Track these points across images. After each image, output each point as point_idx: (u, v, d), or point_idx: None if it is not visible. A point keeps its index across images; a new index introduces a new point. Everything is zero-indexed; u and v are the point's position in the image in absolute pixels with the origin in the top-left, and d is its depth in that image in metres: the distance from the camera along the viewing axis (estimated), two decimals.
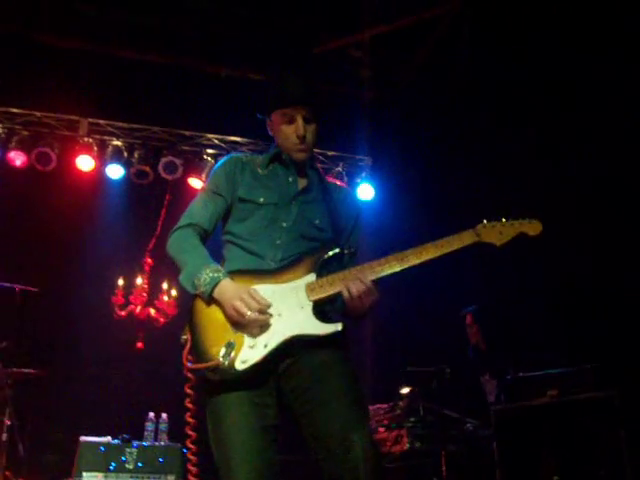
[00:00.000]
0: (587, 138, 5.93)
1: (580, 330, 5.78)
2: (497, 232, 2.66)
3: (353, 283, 2.54)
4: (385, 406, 5.73)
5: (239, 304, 2.49)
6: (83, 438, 5.50)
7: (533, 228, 2.68)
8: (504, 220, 2.68)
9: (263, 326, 2.52)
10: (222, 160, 2.89)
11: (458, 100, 6.96)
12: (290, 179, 2.80)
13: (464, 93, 6.86)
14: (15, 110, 6.92)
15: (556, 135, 6.24)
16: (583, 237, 5.84)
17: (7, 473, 5.43)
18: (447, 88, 7.03)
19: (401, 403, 5.60)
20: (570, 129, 6.08)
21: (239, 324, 2.52)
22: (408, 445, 5.23)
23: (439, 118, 7.21)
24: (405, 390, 5.67)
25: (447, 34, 6.81)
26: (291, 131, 2.74)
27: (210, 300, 2.58)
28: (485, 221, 2.66)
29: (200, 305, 2.61)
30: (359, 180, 7.75)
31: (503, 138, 6.64)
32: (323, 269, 2.65)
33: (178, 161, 7.19)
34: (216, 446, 2.54)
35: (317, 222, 2.75)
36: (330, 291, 2.58)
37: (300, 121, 2.73)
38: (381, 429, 5.53)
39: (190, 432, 2.60)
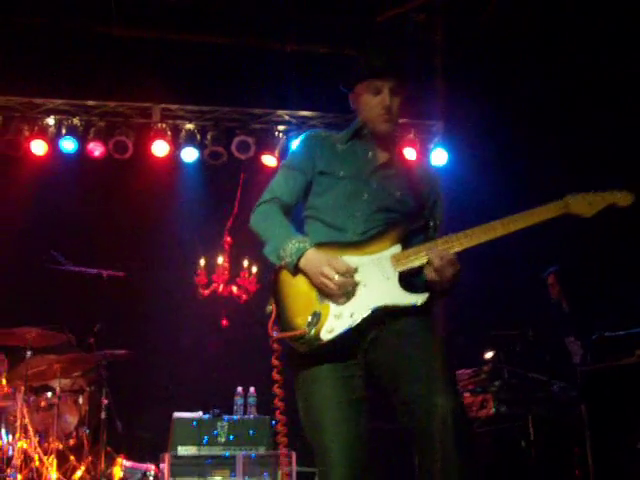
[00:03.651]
0: None
1: None
2: (586, 203, 2.62)
3: (434, 254, 2.55)
4: (469, 371, 5.71)
5: (327, 269, 2.53)
6: (176, 414, 5.71)
7: (624, 199, 2.63)
8: (593, 191, 2.64)
9: (349, 295, 2.54)
10: (301, 136, 2.94)
11: (535, 58, 6.74)
12: (370, 154, 2.82)
13: (543, 50, 6.62)
14: (90, 102, 7.13)
15: None
16: None
17: (108, 449, 5.71)
18: (522, 44, 6.81)
19: (485, 367, 5.58)
20: None
21: (325, 292, 2.55)
22: (494, 409, 5.21)
23: (513, 77, 7.02)
24: (489, 354, 5.64)
25: None
26: (376, 102, 2.76)
27: (295, 271, 2.62)
28: (573, 193, 2.63)
29: (285, 276, 2.65)
30: (432, 146, 7.67)
31: (587, 97, 6.40)
32: (408, 241, 2.66)
33: (250, 140, 7.27)
34: (307, 422, 2.60)
35: (398, 195, 2.75)
36: (416, 262, 2.59)
37: (387, 92, 2.75)
38: (466, 394, 5.52)
39: (279, 403, 2.66)
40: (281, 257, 2.63)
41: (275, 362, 2.62)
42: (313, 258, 2.58)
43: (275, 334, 2.60)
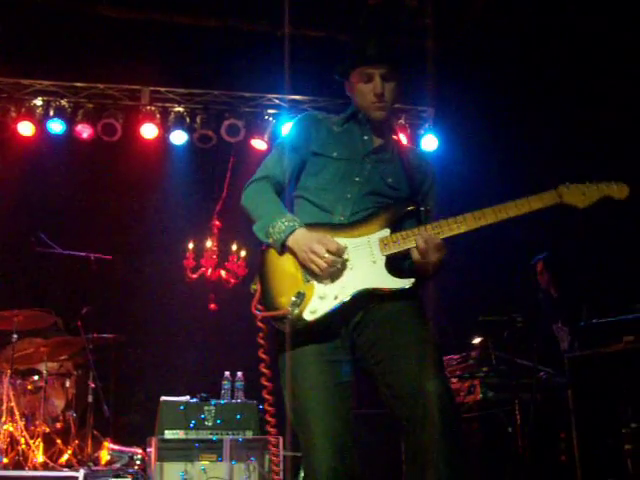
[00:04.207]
0: None
1: None
2: (580, 194, 2.59)
3: (420, 237, 2.53)
4: (457, 357, 5.73)
5: (317, 246, 2.51)
6: (163, 398, 5.69)
7: (619, 191, 2.60)
8: (588, 182, 2.61)
9: (335, 277, 2.53)
10: (298, 116, 2.93)
11: (526, 44, 6.71)
12: (365, 137, 2.81)
13: (533, 36, 6.60)
14: (79, 84, 7.05)
15: None
16: None
17: (95, 432, 5.71)
18: (513, 31, 6.79)
19: (473, 353, 5.59)
20: None
21: (313, 270, 2.54)
22: (481, 395, 5.23)
23: (504, 64, 7.00)
24: (477, 340, 5.65)
25: None
26: (369, 89, 2.74)
27: (282, 250, 2.61)
28: (567, 182, 2.60)
29: (271, 255, 2.64)
30: (422, 132, 7.66)
31: (576, 84, 6.38)
32: (399, 225, 2.65)
33: (240, 123, 7.23)
34: (291, 405, 2.58)
35: (390, 180, 2.74)
36: (403, 246, 2.58)
37: (378, 79, 2.73)
38: (454, 380, 5.53)
39: (266, 383, 2.64)
40: (269, 234, 2.61)
41: (261, 342, 2.61)
42: (303, 237, 2.57)
43: (259, 313, 2.59)
